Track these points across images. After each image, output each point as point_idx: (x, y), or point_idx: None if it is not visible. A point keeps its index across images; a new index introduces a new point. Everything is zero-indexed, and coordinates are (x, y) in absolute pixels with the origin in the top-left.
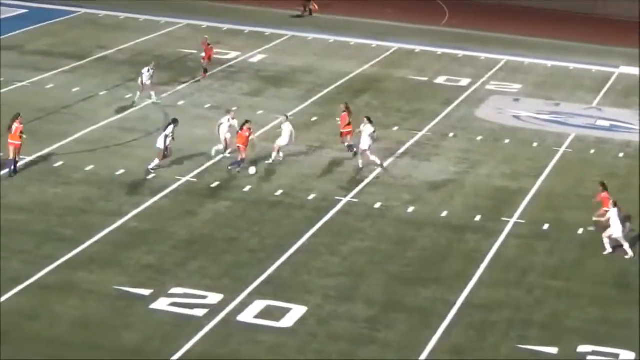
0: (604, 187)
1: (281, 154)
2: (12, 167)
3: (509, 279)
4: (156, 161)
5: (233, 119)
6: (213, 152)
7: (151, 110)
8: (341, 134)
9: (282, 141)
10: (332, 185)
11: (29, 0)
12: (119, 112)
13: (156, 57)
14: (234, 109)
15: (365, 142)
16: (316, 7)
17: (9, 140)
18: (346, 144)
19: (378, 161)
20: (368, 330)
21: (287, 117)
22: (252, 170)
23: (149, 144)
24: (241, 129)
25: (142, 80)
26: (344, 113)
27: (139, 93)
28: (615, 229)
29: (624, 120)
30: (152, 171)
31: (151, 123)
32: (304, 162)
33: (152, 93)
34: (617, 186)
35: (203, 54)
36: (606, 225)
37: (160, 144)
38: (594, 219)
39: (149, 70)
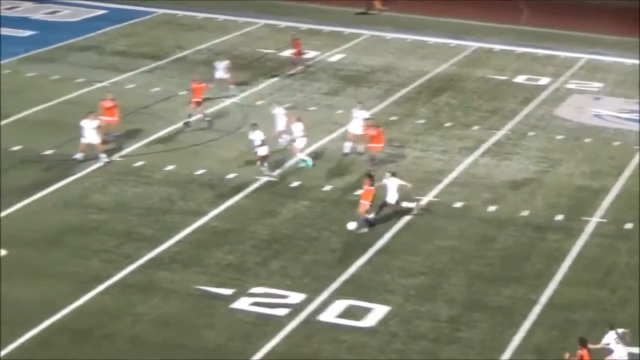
0: (370, 179)
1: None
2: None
3: (592, 279)
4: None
5: (360, 110)
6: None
7: (230, 110)
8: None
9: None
10: (413, 184)
11: (107, 1)
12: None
13: (234, 57)
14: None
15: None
16: (378, 5)
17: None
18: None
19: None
20: (450, 329)
21: None
22: (350, 225)
23: (228, 144)
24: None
25: (218, 75)
26: (202, 85)
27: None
28: (390, 196)
29: None
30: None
31: (231, 123)
32: (384, 162)
33: (232, 87)
34: None
35: (293, 50)
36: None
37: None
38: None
39: (224, 65)
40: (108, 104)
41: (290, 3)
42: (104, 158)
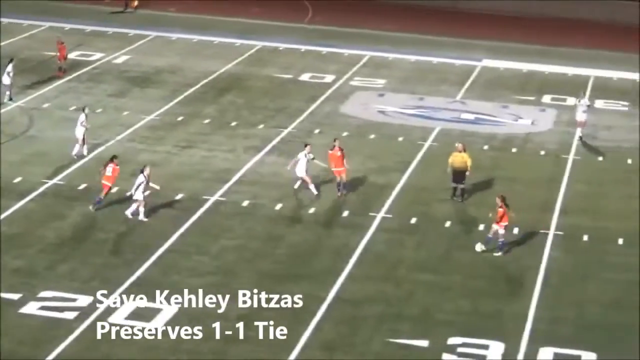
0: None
1: None
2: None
3: (379, 274)
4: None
5: (309, 153)
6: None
7: (16, 114)
8: None
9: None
10: (200, 184)
11: None
12: None
13: (20, 60)
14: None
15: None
16: (135, 3)
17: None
18: None
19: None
20: (242, 328)
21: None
22: (478, 247)
23: (14, 148)
24: (332, 148)
25: (8, 80)
26: None
27: (7, 93)
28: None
29: (488, 113)
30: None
31: (16, 126)
32: (172, 162)
33: (8, 93)
34: (482, 178)
35: (58, 54)
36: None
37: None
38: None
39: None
40: None
41: (72, 5)
42: None
